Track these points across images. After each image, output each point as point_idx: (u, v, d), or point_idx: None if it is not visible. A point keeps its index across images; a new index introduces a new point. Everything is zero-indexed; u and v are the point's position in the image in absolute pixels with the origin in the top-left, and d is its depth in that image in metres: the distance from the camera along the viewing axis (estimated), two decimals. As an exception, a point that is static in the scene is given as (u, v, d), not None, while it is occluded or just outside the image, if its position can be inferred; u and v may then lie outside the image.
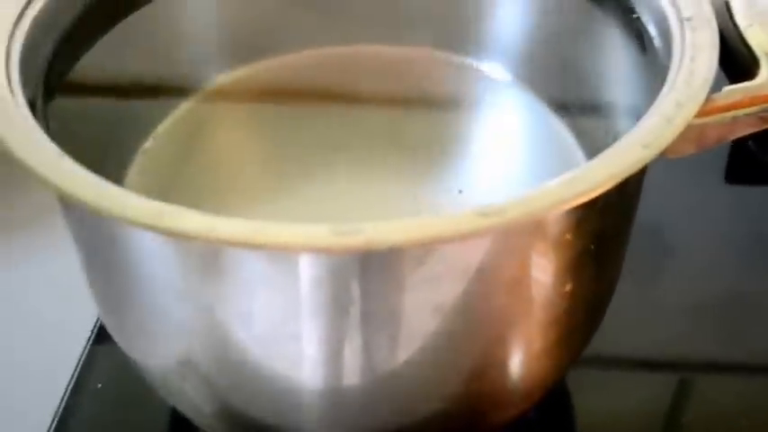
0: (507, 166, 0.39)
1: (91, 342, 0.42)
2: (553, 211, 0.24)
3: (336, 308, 0.26)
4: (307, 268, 0.25)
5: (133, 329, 0.32)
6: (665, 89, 0.28)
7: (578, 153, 0.37)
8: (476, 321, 0.28)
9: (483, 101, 0.40)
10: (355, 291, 0.26)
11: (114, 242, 0.28)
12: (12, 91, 0.28)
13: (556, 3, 0.37)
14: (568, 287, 0.29)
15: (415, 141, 0.40)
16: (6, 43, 0.30)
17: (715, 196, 0.51)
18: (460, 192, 0.38)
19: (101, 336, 0.43)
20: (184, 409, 0.35)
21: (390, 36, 0.40)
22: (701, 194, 0.50)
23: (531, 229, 0.26)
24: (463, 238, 0.23)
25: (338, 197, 0.38)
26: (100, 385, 0.41)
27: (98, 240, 0.29)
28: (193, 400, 0.33)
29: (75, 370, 0.41)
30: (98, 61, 0.35)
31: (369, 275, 0.25)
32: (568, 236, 0.27)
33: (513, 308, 0.28)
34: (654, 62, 0.32)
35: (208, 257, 0.26)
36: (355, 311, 0.26)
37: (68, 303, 0.41)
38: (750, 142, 0.54)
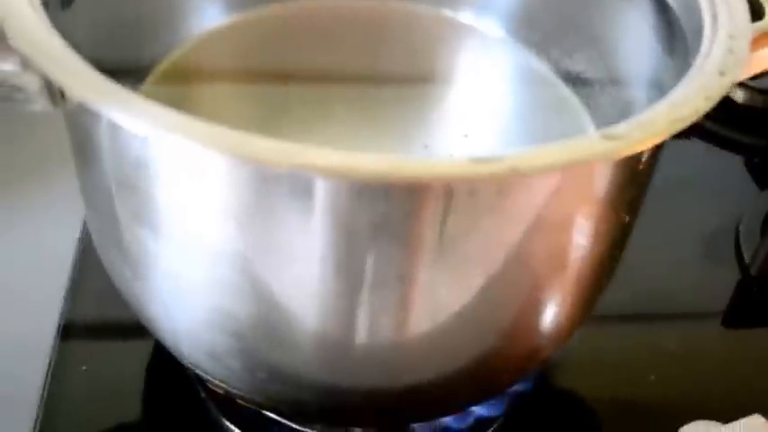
0: (505, 115, 0.40)
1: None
2: (671, 131, 0.25)
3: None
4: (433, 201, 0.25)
5: (167, 284, 0.31)
6: (707, 31, 0.30)
7: (573, 101, 0.39)
8: (553, 251, 0.29)
9: (478, 56, 0.41)
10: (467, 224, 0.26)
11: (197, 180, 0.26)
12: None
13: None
14: (627, 220, 0.31)
15: (413, 94, 0.40)
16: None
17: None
18: (466, 136, 0.38)
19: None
20: (207, 368, 0.33)
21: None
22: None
23: (637, 155, 0.27)
24: (599, 160, 0.24)
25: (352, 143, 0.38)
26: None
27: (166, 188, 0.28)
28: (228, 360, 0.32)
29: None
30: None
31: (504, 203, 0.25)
32: (646, 165, 0.28)
33: (592, 239, 0.29)
34: (662, 15, 0.34)
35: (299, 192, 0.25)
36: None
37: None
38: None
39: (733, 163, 0.58)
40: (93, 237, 0.35)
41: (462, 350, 0.32)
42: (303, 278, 0.28)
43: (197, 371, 0.35)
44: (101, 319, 0.43)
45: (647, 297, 0.47)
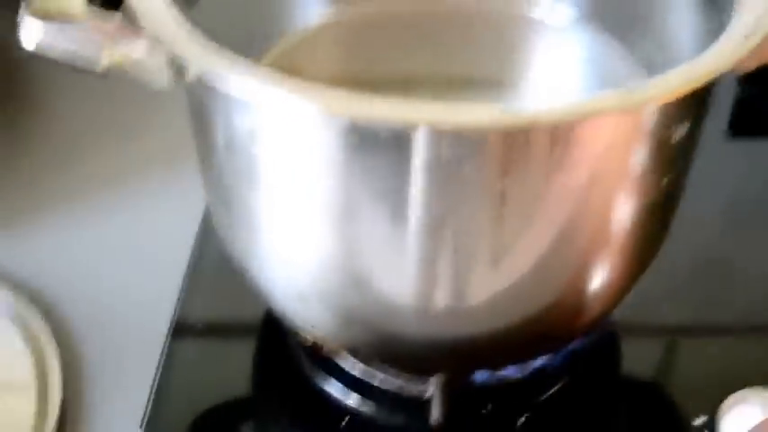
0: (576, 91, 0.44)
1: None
2: (685, 89, 0.28)
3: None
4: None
5: (274, 240, 0.36)
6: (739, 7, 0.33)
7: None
8: (595, 204, 0.33)
9: (546, 42, 0.45)
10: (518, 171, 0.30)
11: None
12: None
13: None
14: (666, 179, 0.34)
15: (487, 73, 0.44)
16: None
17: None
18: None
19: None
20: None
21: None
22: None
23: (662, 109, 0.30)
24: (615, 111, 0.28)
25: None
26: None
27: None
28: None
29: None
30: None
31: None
32: (675, 123, 0.32)
33: (629, 191, 0.33)
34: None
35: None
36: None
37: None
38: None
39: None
40: (209, 203, 0.41)
41: (527, 303, 0.36)
42: (390, 230, 0.33)
43: (292, 320, 0.40)
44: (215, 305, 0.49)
45: (727, 276, 0.49)
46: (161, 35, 0.32)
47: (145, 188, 0.56)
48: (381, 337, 0.38)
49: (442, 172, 0.30)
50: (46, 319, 0.47)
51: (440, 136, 0.29)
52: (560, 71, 0.45)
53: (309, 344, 0.44)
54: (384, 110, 0.28)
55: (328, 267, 0.35)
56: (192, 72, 0.33)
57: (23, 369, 0.44)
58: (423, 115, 0.28)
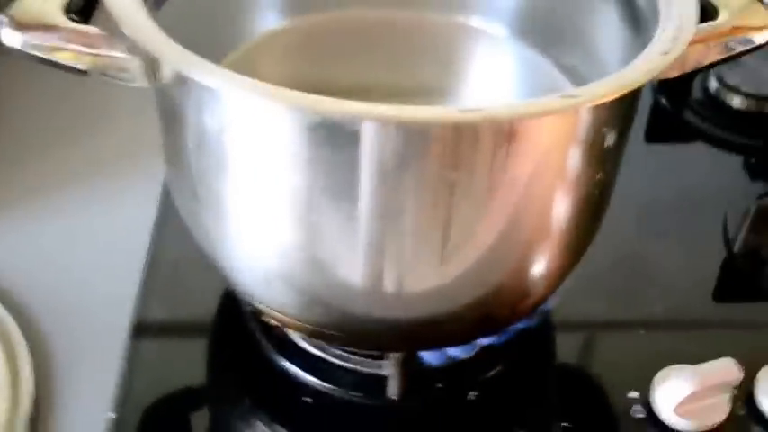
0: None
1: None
2: (615, 94, 0.33)
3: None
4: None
5: (239, 224, 0.39)
6: (662, 24, 0.38)
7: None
8: (536, 197, 0.37)
9: (483, 52, 0.50)
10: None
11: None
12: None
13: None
14: (599, 176, 0.38)
15: (434, 88, 0.48)
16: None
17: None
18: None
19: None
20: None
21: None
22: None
23: (595, 112, 0.35)
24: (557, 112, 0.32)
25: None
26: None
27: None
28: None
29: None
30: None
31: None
32: (607, 125, 0.36)
33: (567, 185, 0.37)
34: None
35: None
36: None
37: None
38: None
39: (731, 161, 0.65)
40: (174, 195, 0.44)
41: (470, 289, 0.40)
42: (346, 216, 0.36)
43: (257, 303, 0.43)
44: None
45: (643, 271, 0.55)
46: (140, 39, 0.35)
47: (105, 184, 0.58)
48: (338, 318, 0.41)
49: (388, 166, 0.34)
50: (14, 316, 0.48)
51: (387, 131, 0.33)
52: (497, 79, 0.50)
53: (271, 326, 0.47)
54: (339, 107, 0.31)
55: (290, 252, 0.38)
56: (166, 72, 0.36)
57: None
58: (373, 111, 0.31)
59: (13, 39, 0.37)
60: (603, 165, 0.39)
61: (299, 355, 0.47)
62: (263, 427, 0.45)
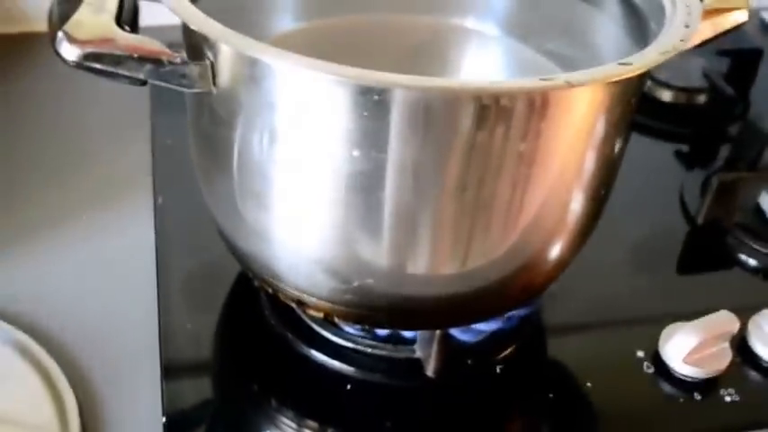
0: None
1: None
2: (660, 60, 0.37)
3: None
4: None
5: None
6: (668, 12, 0.42)
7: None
8: (571, 168, 0.41)
9: (479, 50, 0.53)
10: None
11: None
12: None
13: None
14: (619, 148, 0.43)
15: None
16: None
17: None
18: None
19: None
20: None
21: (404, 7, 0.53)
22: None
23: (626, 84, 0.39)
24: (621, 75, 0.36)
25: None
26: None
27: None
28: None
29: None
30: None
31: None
32: (633, 96, 0.41)
33: (596, 154, 0.41)
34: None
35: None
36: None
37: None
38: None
39: (666, 148, 0.71)
40: (215, 208, 0.45)
41: (492, 272, 0.43)
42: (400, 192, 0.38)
43: (300, 294, 0.45)
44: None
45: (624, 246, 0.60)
46: (207, 32, 0.37)
47: (101, 215, 0.59)
48: (385, 300, 0.43)
49: (420, 132, 0.36)
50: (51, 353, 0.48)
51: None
52: (493, 75, 0.53)
53: (300, 321, 0.49)
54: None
55: (339, 234, 0.41)
56: (224, 71, 0.38)
57: (41, 409, 0.45)
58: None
59: (72, 53, 0.37)
60: (626, 136, 0.43)
61: (333, 348, 0.49)
62: (312, 423, 0.47)
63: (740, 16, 0.46)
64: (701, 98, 0.74)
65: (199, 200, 0.47)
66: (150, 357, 0.48)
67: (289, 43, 0.50)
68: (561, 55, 0.51)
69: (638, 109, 0.43)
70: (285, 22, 0.51)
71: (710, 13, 0.45)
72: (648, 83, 0.73)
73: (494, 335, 0.50)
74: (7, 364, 0.47)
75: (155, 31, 0.40)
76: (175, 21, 0.39)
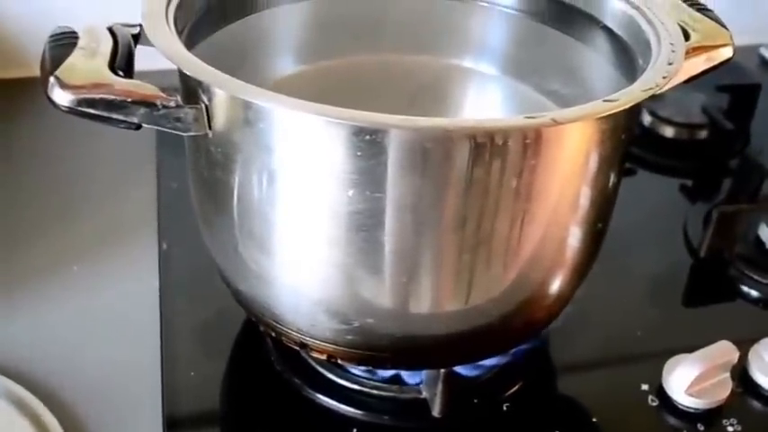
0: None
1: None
2: (642, 97, 0.38)
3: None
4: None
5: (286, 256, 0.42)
6: (654, 48, 0.44)
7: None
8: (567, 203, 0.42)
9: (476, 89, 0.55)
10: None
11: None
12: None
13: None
14: (613, 181, 0.44)
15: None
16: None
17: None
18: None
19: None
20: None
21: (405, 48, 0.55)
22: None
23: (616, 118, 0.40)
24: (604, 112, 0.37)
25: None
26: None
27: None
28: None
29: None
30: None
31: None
32: (624, 131, 0.42)
33: (591, 188, 0.42)
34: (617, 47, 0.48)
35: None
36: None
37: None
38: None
39: (669, 182, 0.72)
40: (216, 251, 0.46)
41: (494, 311, 0.44)
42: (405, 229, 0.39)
43: (304, 338, 0.45)
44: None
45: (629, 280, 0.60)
46: (201, 76, 0.38)
47: (104, 262, 0.59)
48: (389, 340, 0.44)
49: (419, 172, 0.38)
50: (48, 406, 0.47)
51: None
52: (490, 112, 0.55)
53: (306, 365, 0.49)
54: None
55: (344, 276, 0.41)
56: (219, 115, 0.39)
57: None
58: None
59: (64, 98, 0.37)
60: (620, 170, 0.44)
61: (340, 391, 0.50)
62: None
63: (726, 52, 0.47)
64: (703, 133, 0.75)
65: (204, 245, 0.47)
66: (152, 409, 0.48)
67: (292, 85, 0.52)
68: (558, 93, 0.52)
69: (630, 143, 0.44)
70: (288, 64, 0.53)
71: (696, 49, 0.46)
72: (651, 119, 0.75)
73: (500, 372, 0.51)
74: (5, 418, 0.46)
75: (152, 75, 0.40)
76: (172, 64, 0.39)
